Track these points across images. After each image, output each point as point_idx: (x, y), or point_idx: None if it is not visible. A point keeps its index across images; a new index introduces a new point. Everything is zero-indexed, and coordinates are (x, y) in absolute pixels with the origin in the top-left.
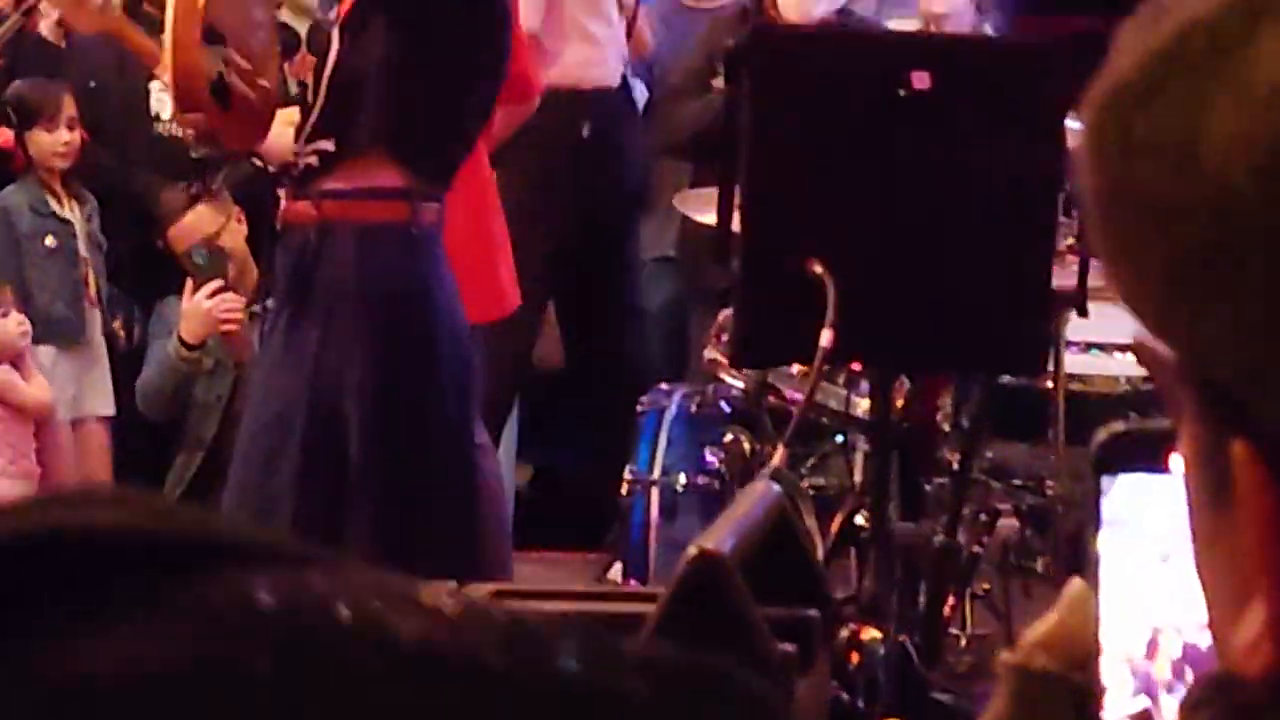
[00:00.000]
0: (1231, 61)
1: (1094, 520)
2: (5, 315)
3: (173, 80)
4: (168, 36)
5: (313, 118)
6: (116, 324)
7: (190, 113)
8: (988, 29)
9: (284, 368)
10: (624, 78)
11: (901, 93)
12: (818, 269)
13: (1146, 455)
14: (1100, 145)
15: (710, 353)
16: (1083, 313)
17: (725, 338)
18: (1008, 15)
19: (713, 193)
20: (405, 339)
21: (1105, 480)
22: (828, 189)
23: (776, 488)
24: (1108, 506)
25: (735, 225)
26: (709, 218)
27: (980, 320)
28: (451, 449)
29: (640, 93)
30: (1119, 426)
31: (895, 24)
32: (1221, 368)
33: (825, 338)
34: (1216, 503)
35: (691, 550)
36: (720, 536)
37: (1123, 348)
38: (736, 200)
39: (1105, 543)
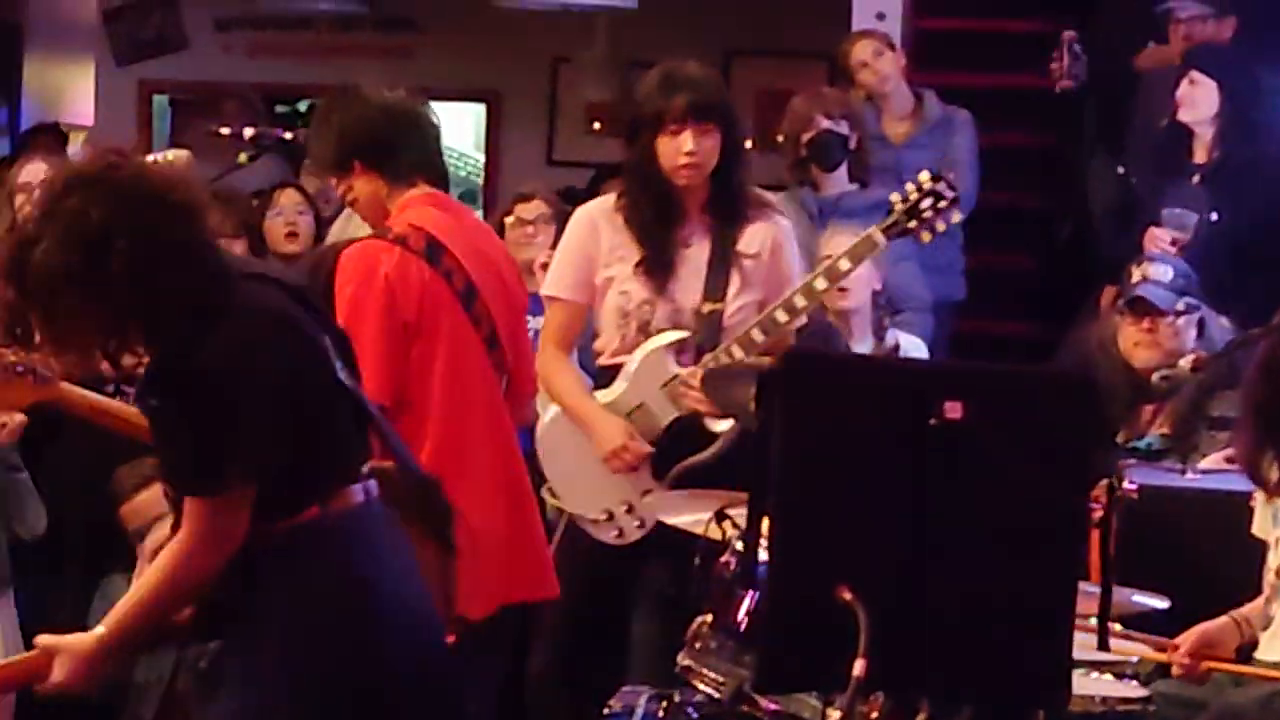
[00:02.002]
0: None
1: None
2: None
3: None
4: None
5: None
6: None
7: None
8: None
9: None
10: None
11: (933, 421)
12: (847, 595)
13: None
14: None
15: (683, 659)
16: (1104, 645)
17: (699, 645)
18: (941, 318)
19: (681, 495)
20: (341, 632)
21: None
22: (858, 515)
23: None
24: None
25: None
26: (677, 519)
27: (1007, 651)
28: None
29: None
30: None
31: None
32: None
33: (858, 667)
34: None
35: None
36: None
37: (1099, 665)
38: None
39: None
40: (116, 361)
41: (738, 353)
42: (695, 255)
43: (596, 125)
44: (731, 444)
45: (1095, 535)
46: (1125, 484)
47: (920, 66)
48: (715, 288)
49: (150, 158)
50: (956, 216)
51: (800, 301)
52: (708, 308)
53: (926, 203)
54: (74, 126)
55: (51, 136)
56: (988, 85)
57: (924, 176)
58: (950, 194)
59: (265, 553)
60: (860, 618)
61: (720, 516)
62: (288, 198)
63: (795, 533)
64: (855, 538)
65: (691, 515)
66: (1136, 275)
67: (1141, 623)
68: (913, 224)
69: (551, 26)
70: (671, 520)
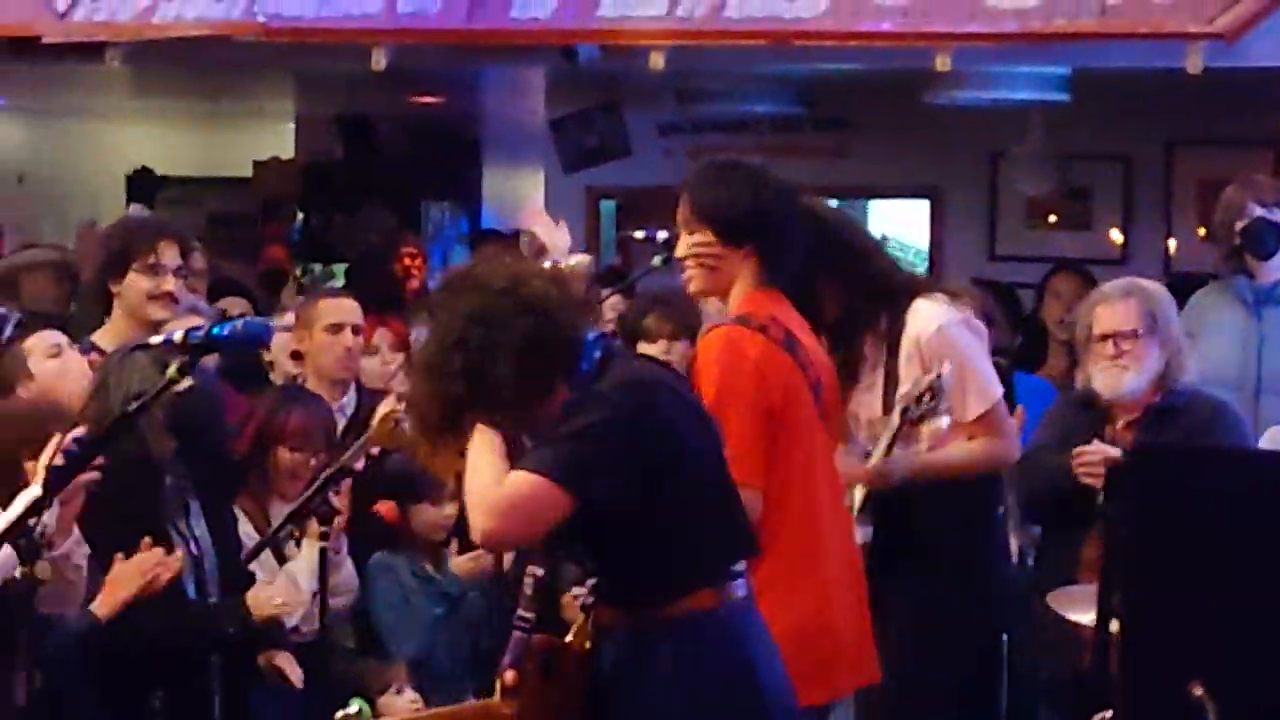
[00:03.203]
0: None
1: None
2: (399, 692)
3: None
4: None
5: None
6: None
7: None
8: None
9: None
10: None
11: None
12: (1198, 691)
13: None
14: None
15: None
16: None
17: None
18: None
19: (1082, 590)
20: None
21: None
22: (1211, 610)
23: None
24: None
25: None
26: (1079, 615)
27: None
28: None
29: None
30: None
31: None
32: None
33: None
34: None
35: None
36: None
37: None
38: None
39: None
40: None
41: None
42: None
43: (1052, 218)
44: None
45: None
46: None
47: None
48: None
49: (548, 262)
50: (944, 421)
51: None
52: None
53: (925, 398)
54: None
55: (500, 243)
56: None
57: (926, 378)
58: (940, 405)
59: (659, 637)
60: (1210, 714)
61: None
62: None
63: (1146, 627)
64: (1206, 632)
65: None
66: None
67: None
68: (912, 414)
69: (988, 121)
70: (1073, 616)
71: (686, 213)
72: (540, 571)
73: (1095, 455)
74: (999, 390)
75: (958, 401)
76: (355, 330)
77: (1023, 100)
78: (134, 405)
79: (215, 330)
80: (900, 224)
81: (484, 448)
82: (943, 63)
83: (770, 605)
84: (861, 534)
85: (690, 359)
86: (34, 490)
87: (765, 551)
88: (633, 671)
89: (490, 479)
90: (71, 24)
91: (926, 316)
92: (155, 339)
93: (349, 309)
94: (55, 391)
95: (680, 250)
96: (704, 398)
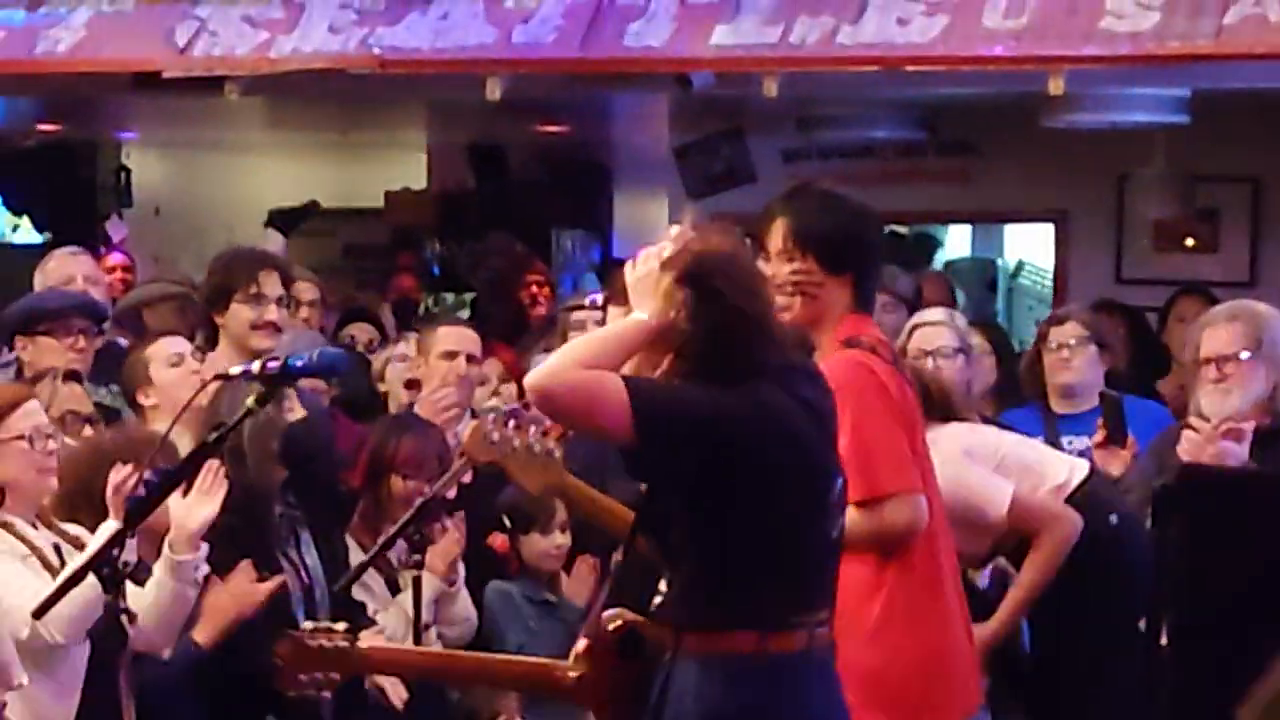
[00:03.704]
0: None
1: None
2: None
3: None
4: None
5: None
6: None
7: None
8: None
9: None
10: None
11: None
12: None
13: None
14: None
15: None
16: None
17: None
18: None
19: None
20: None
21: None
22: (1258, 632)
23: None
24: None
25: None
26: None
27: None
28: None
29: None
30: None
31: None
32: None
33: None
34: None
35: None
36: None
37: None
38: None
39: None
40: None
41: None
42: None
43: (1190, 242)
44: None
45: None
46: None
47: None
48: None
49: None
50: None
51: None
52: None
53: None
54: None
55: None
56: None
57: None
58: None
59: (688, 664)
60: None
61: None
62: None
63: (1193, 650)
64: (1255, 654)
65: None
66: None
67: None
68: None
69: (1113, 144)
70: None
71: (786, 241)
72: (620, 557)
73: (1203, 434)
74: (1008, 488)
75: (983, 517)
76: (470, 359)
77: (1143, 122)
78: (213, 435)
79: (290, 361)
80: (1031, 248)
81: (618, 331)
82: (1056, 86)
83: (899, 628)
84: None
85: None
86: (112, 523)
87: (895, 572)
88: (660, 687)
89: (587, 358)
90: (191, 58)
91: None
92: (234, 369)
93: (466, 338)
94: (171, 399)
95: (776, 277)
96: (846, 425)
